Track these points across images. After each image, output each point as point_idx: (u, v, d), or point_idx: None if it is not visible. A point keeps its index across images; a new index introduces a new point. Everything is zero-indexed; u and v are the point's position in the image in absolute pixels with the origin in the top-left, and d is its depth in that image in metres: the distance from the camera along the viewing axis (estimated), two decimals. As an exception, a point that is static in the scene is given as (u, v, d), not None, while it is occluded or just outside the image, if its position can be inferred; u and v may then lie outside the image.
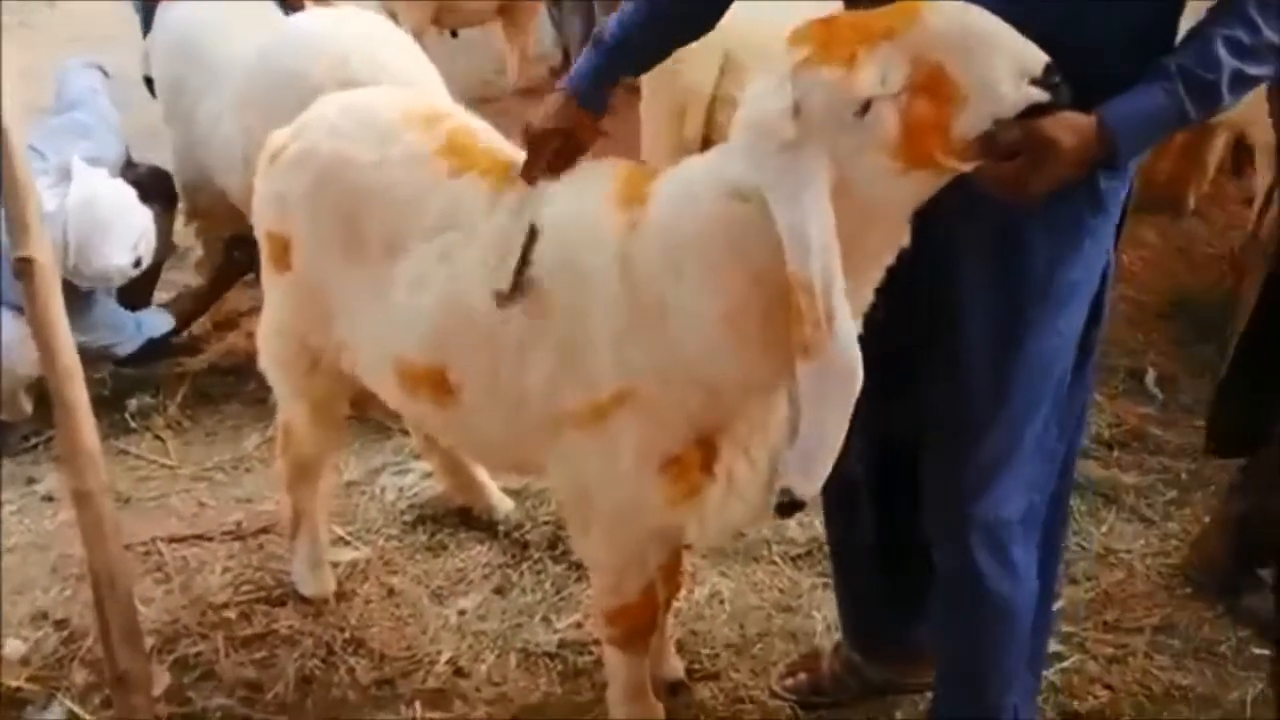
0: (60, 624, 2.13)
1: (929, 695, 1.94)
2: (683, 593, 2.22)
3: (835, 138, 1.22)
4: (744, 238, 1.30)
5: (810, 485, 1.29)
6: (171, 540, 2.36)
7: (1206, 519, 2.40)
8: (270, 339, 1.92)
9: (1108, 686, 1.97)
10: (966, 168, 1.23)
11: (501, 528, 2.39)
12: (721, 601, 2.24)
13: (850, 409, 1.25)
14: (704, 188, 1.36)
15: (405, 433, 2.66)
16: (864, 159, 1.23)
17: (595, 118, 1.57)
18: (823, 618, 2.17)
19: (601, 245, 1.45)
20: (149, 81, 3.14)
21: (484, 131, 1.71)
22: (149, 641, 2.01)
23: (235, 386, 2.91)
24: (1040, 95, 1.20)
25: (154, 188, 2.83)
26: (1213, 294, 3.40)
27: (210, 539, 2.37)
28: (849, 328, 1.23)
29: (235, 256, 2.90)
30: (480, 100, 4.83)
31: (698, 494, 1.51)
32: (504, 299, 1.50)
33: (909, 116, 1.20)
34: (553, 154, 1.55)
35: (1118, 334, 3.22)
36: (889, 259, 1.36)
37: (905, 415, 1.56)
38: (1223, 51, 1.26)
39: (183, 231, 3.18)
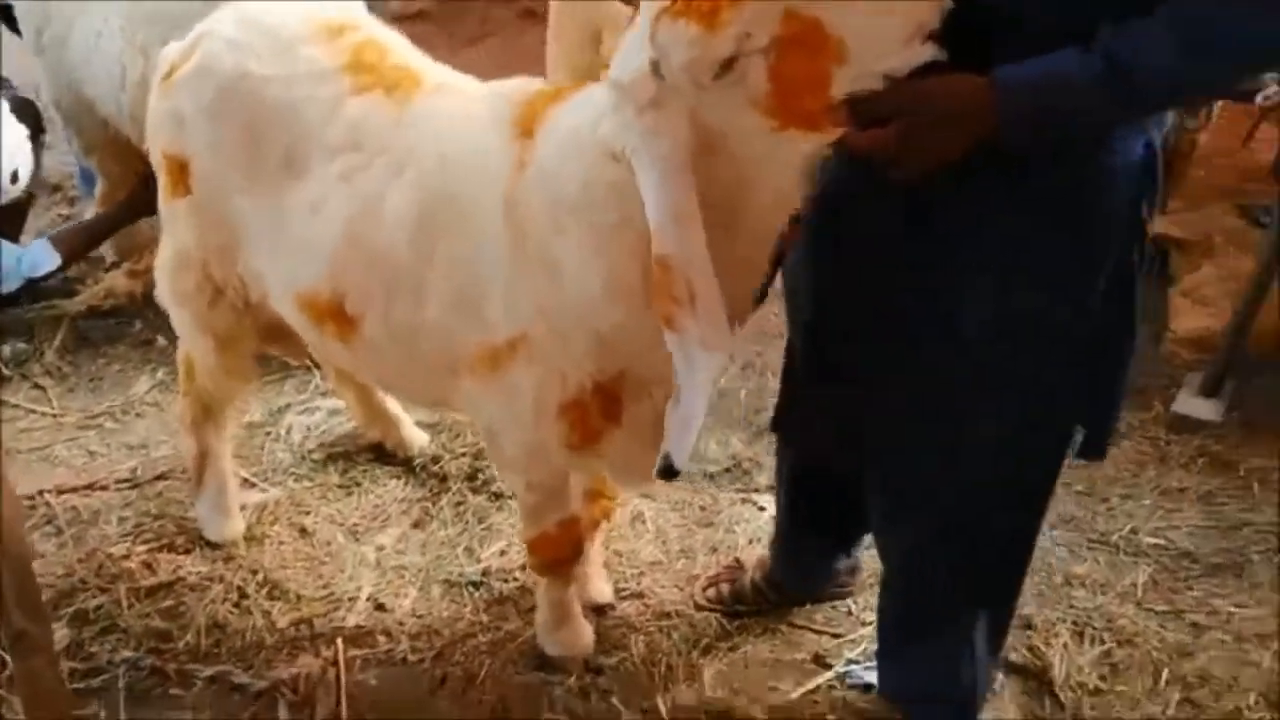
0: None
1: (849, 601, 2.01)
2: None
3: (698, 98, 1.10)
4: (624, 201, 1.19)
5: (680, 455, 1.17)
6: (61, 492, 2.22)
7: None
8: (169, 269, 1.80)
9: (1013, 580, 2.07)
10: (834, 133, 1.11)
11: (418, 462, 2.33)
12: (644, 522, 2.25)
13: (709, 388, 1.15)
14: (585, 143, 1.24)
15: (309, 369, 2.56)
16: (734, 117, 1.11)
17: None
18: (742, 530, 2.21)
19: (489, 182, 1.36)
20: (5, 12, 2.83)
21: (395, 44, 1.60)
22: (44, 596, 1.91)
23: (118, 329, 2.73)
24: (934, 53, 1.05)
25: (17, 116, 2.60)
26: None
27: (104, 488, 2.24)
28: (713, 304, 1.12)
29: (142, 192, 2.63)
30: (416, 15, 4.62)
31: (599, 441, 1.47)
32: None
33: (782, 73, 1.07)
34: None
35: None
36: (780, 224, 1.26)
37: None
38: (1165, 38, 1.04)
39: (50, 167, 2.94)
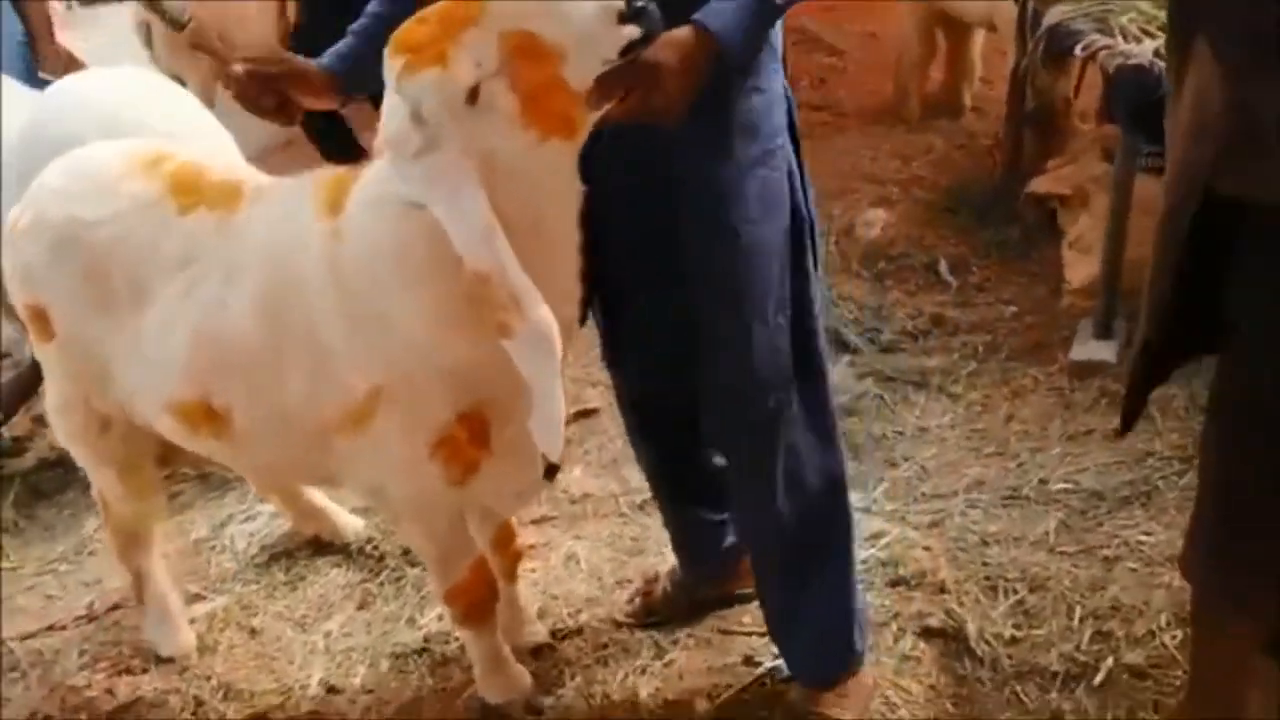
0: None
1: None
2: (538, 562, 2.31)
3: (462, 130, 1.28)
4: (432, 241, 1.33)
5: (552, 446, 1.34)
6: (23, 638, 2.31)
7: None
8: (57, 412, 1.92)
9: (926, 548, 2.14)
10: (595, 116, 1.32)
11: (354, 546, 2.42)
12: (578, 562, 2.33)
13: (557, 371, 1.31)
14: (388, 200, 1.40)
15: (245, 481, 2.67)
16: (501, 139, 1.29)
17: (330, 83, 1.56)
18: (672, 554, 2.28)
19: (310, 256, 1.50)
20: None
21: (214, 164, 1.74)
22: (10, 739, 2.00)
23: (66, 477, 2.83)
24: (632, 32, 1.27)
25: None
26: (988, 180, 3.67)
27: (63, 628, 2.33)
28: (536, 301, 1.28)
29: None
30: (286, 144, 4.80)
31: (477, 470, 1.58)
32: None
33: (521, 86, 1.27)
34: (267, 79, 1.53)
35: (910, 234, 3.45)
36: (575, 227, 1.43)
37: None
38: None
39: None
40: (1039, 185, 3.23)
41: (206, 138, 2.46)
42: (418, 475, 1.58)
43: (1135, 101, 2.42)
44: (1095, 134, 3.47)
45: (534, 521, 2.44)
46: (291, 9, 3.49)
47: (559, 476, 2.48)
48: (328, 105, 1.61)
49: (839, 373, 2.80)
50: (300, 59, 1.58)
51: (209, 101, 4.00)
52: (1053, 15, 2.85)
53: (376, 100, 1.39)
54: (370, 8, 1.61)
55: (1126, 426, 1.51)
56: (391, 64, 1.30)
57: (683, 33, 1.33)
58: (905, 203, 3.67)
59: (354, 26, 1.62)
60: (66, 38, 3.30)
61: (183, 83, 3.93)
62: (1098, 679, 1.81)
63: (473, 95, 1.27)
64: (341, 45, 1.62)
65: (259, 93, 1.53)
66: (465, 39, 1.26)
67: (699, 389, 1.67)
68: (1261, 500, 1.34)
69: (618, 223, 1.54)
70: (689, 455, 1.93)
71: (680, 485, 1.98)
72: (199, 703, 2.09)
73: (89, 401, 1.84)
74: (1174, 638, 1.85)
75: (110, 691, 2.14)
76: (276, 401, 1.58)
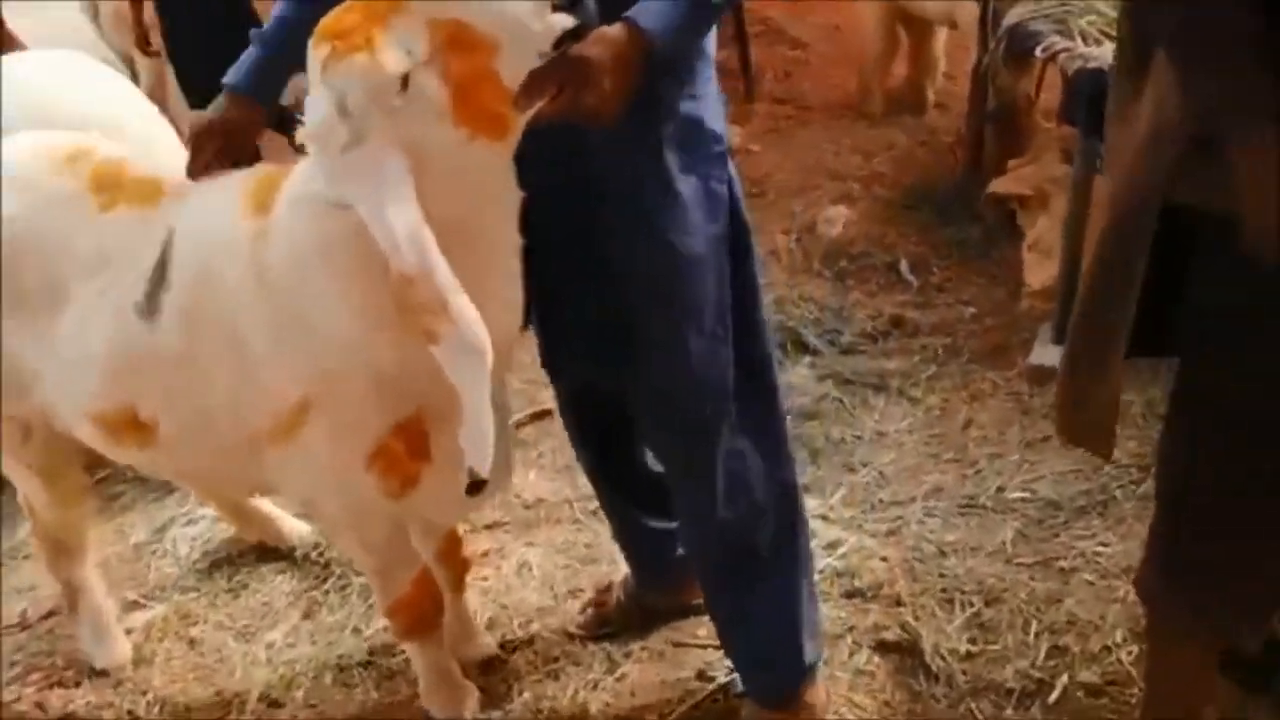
0: None
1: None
2: (489, 570, 2.26)
3: (391, 123, 1.22)
4: (364, 238, 1.26)
5: (480, 460, 1.27)
6: (-47, 649, 2.23)
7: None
8: None
9: (883, 559, 2.12)
10: (524, 116, 1.26)
11: (300, 553, 2.35)
12: (530, 570, 2.28)
13: (487, 379, 1.24)
14: (312, 202, 1.34)
15: (188, 482, 2.58)
16: (429, 134, 1.23)
17: (259, 109, 1.53)
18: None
19: (234, 257, 1.43)
20: None
21: (137, 159, 1.65)
22: (-67, 759, 1.92)
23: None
24: (566, 20, 1.22)
25: None
26: (950, 178, 3.65)
27: (-7, 637, 2.25)
28: (466, 306, 1.22)
29: None
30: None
31: (416, 481, 1.52)
32: (146, 312, 1.48)
33: (452, 76, 1.21)
34: (216, 151, 1.51)
35: (872, 232, 3.42)
36: (514, 233, 1.38)
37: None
38: None
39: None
40: (999, 185, 3.21)
41: (143, 125, 2.36)
42: (352, 487, 1.52)
43: (1093, 104, 2.40)
44: (1056, 134, 3.46)
45: (486, 527, 2.39)
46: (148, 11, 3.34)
47: (515, 481, 2.43)
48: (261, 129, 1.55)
49: (799, 375, 2.78)
50: (236, 106, 1.52)
51: (161, 84, 3.87)
52: (1013, 15, 2.83)
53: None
54: (276, 10, 1.53)
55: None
56: (316, 53, 1.23)
57: (615, 29, 1.28)
58: (867, 200, 3.65)
59: (259, 33, 1.54)
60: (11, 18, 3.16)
61: (133, 64, 3.81)
62: (1053, 696, 1.79)
63: (403, 84, 1.21)
64: (247, 58, 1.54)
65: (228, 160, 1.51)
66: (394, 25, 1.20)
67: (632, 391, 1.63)
68: (1221, 505, 1.33)
69: (549, 223, 1.47)
70: (629, 460, 1.90)
71: (622, 491, 1.94)
72: (133, 717, 2.02)
73: (6, 408, 1.75)
74: (1130, 654, 1.84)
75: (41, 705, 2.06)
76: (200, 410, 1.51)
